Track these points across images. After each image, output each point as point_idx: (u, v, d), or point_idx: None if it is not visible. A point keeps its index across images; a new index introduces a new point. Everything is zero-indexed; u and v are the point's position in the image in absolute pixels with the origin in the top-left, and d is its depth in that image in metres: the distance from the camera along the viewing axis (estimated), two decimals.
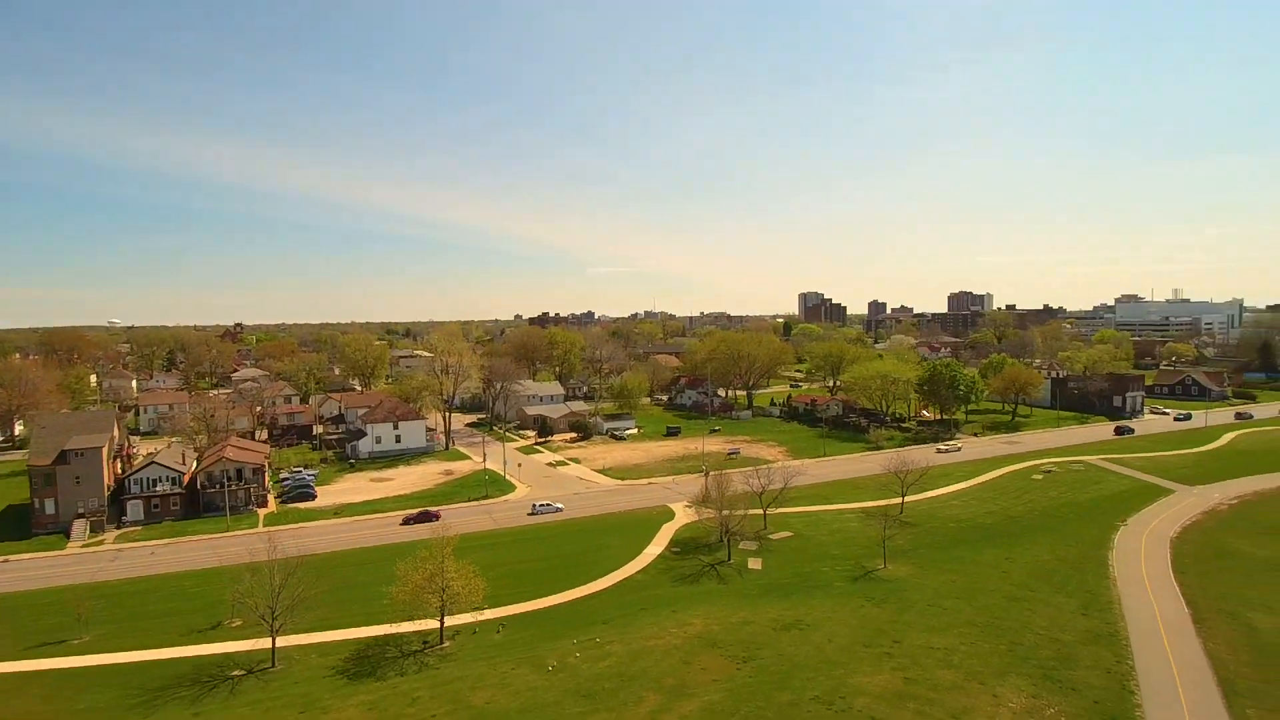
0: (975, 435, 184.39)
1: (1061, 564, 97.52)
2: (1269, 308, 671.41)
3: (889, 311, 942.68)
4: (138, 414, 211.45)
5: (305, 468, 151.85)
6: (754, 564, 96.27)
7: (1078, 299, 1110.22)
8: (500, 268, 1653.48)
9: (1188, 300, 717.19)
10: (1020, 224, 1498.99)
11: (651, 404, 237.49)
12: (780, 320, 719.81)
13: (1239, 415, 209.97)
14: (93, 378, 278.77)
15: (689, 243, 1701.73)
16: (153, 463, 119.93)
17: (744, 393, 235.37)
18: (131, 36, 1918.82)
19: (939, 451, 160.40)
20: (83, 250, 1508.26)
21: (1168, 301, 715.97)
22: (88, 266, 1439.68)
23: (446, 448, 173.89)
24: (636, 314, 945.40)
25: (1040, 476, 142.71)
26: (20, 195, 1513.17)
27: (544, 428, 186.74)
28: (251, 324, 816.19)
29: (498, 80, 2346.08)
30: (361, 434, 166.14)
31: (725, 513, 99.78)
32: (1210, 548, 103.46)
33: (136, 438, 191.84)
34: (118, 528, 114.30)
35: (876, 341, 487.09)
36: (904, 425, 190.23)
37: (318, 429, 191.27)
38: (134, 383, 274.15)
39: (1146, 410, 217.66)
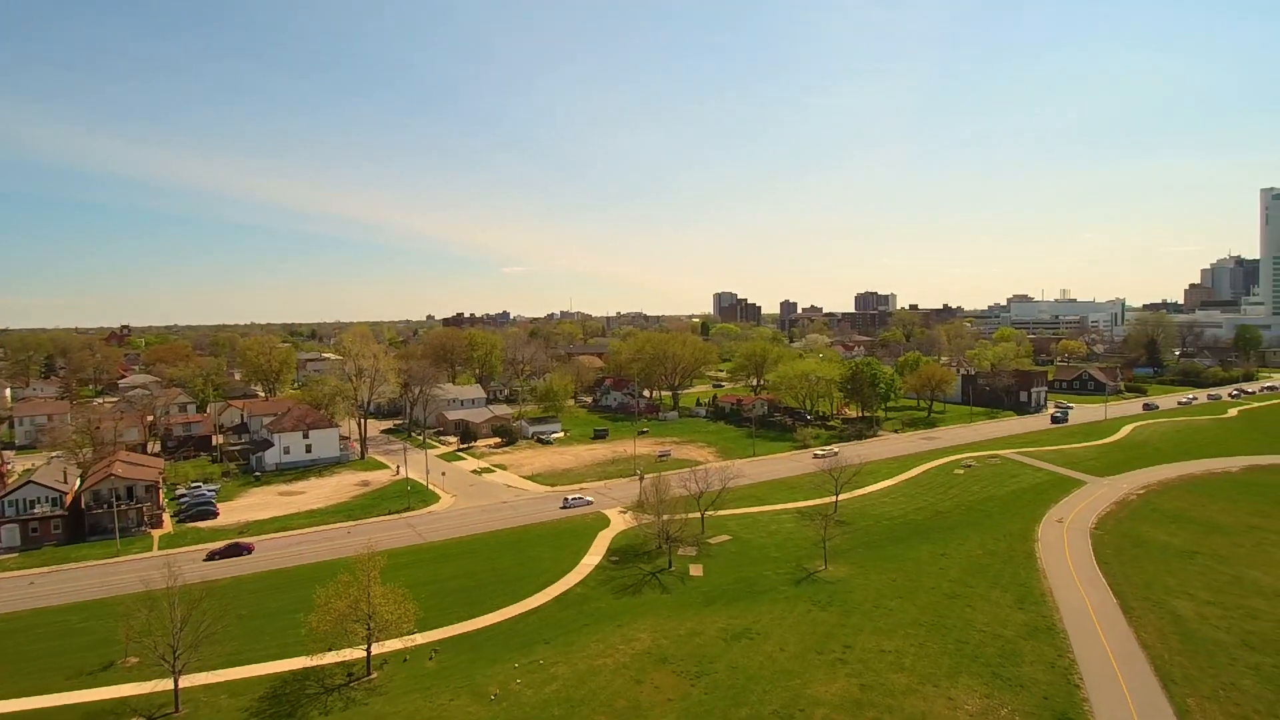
0: (895, 432, 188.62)
1: (993, 558, 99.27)
2: (1145, 306, 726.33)
3: (800, 311, 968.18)
4: (12, 426, 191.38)
5: (205, 482, 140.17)
6: (695, 570, 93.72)
7: (974, 299, 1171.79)
8: (411, 267, 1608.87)
9: (1074, 300, 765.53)
10: (918, 228, 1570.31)
11: (576, 406, 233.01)
12: (697, 320, 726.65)
13: (1146, 406, 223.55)
14: None
15: (605, 244, 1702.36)
16: (30, 482, 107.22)
17: (669, 393, 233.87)
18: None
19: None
20: None
21: (1056, 301, 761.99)
22: None
23: (363, 457, 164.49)
24: (553, 314, 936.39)
25: (962, 471, 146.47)
26: None
27: (466, 433, 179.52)
28: (140, 325, 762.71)
29: (402, 70, 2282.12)
30: (268, 444, 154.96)
31: (665, 518, 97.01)
32: (1127, 537, 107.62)
33: (11, 453, 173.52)
34: None
35: (792, 341, 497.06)
36: (829, 423, 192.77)
37: (218, 440, 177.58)
38: (8, 392, 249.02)
39: (1050, 405, 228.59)
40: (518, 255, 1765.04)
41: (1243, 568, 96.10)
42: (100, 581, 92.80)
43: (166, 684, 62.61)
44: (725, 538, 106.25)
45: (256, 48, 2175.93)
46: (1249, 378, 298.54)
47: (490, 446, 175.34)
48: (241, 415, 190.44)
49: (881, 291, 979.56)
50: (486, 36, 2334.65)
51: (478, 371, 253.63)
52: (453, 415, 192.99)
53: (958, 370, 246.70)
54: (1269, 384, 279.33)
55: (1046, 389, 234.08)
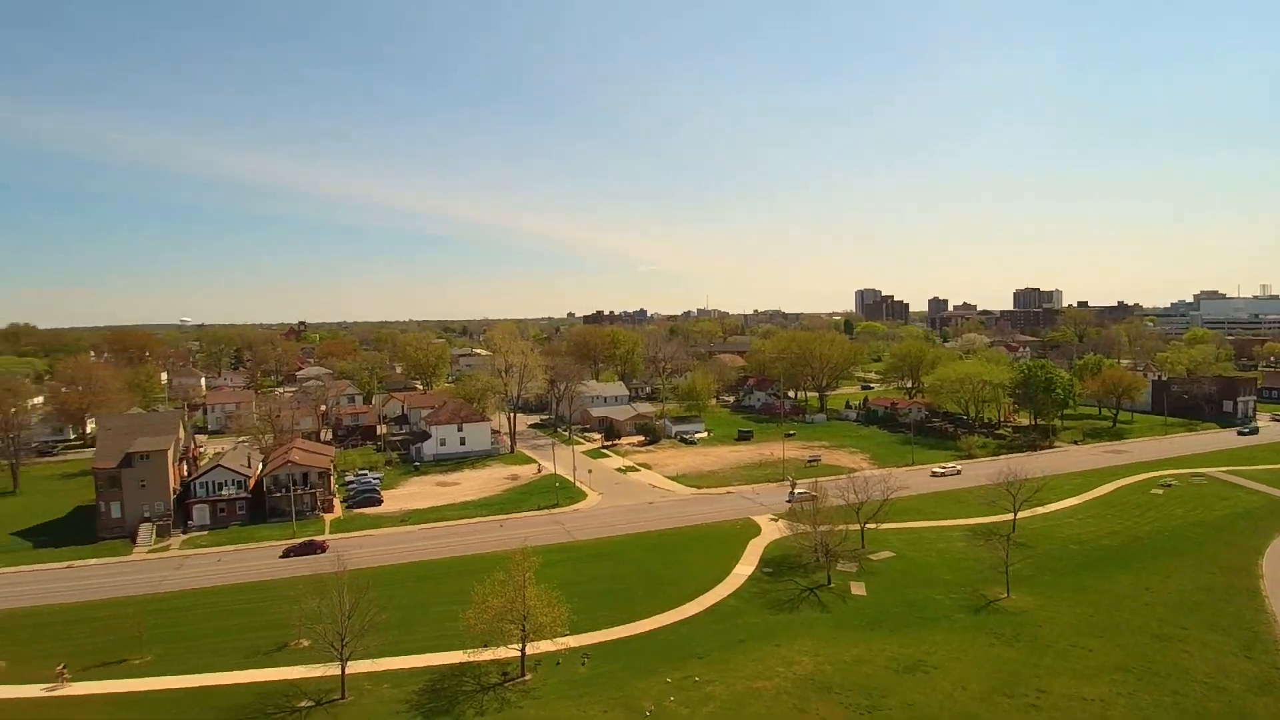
0: (1075, 443, 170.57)
1: (1208, 595, 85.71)
2: None
3: (951, 309, 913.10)
4: (205, 413, 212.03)
5: (370, 470, 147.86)
6: (857, 589, 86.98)
7: (1152, 295, 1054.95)
8: (551, 267, 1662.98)
9: (1277, 296, 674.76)
10: (1082, 218, 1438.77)
11: (718, 406, 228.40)
12: (838, 318, 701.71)
13: None
14: (163, 376, 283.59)
15: (740, 241, 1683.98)
16: (218, 466, 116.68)
17: (815, 395, 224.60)
18: (187, 48, 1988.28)
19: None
20: (153, 253, 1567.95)
21: (1255, 298, 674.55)
22: (158, 268, 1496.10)
23: (511, 451, 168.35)
24: (689, 312, 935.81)
25: (1160, 491, 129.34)
26: (97, 203, 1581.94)
27: (610, 430, 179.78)
28: (314, 322, 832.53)
29: (522, 80, 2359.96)
30: (426, 436, 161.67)
31: (822, 528, 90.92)
32: None
33: (203, 437, 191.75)
34: (184, 532, 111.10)
35: (945, 341, 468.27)
36: (997, 432, 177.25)
37: (381, 430, 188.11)
38: (202, 381, 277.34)
39: (1264, 416, 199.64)
40: (654, 254, 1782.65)
41: None
42: (277, 562, 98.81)
43: (334, 669, 64.18)
44: (888, 554, 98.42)
45: (426, 75, 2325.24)
46: None
47: (633, 444, 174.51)
48: (402, 407, 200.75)
49: (1044, 288, 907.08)
50: (652, 59, 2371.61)
51: (620, 369, 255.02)
52: (597, 412, 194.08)
53: (1145, 375, 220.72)
54: None
55: (1255, 398, 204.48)
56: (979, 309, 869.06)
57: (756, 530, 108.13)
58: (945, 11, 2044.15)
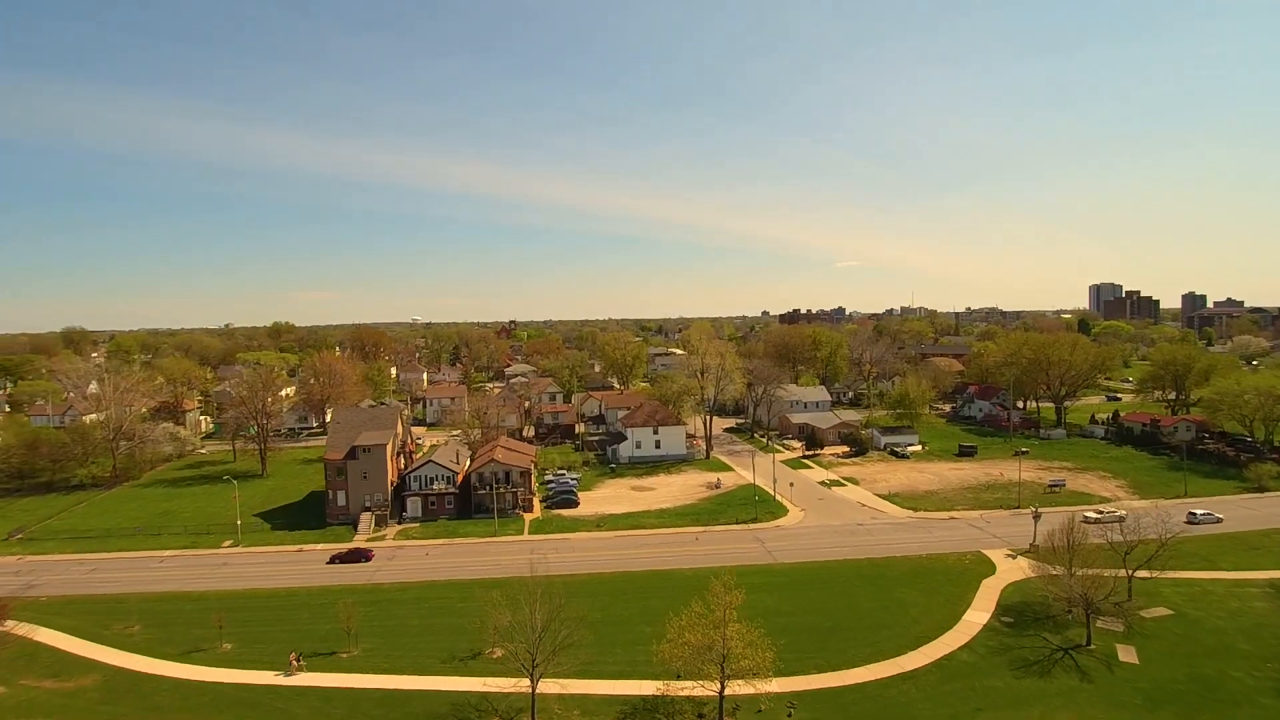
0: None
1: None
2: None
3: (1211, 306, 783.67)
4: (424, 406, 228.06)
5: (568, 469, 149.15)
6: (1125, 654, 70.92)
7: None
8: (747, 264, 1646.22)
9: None
10: None
11: (932, 415, 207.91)
12: (1068, 316, 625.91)
13: None
14: (393, 370, 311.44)
15: (942, 232, 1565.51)
16: (429, 461, 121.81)
17: (1051, 406, 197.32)
18: (367, 64, 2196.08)
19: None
20: (393, 259, 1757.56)
21: None
22: (396, 271, 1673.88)
23: (707, 456, 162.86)
24: (892, 310, 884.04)
25: None
26: (347, 218, 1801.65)
27: (812, 439, 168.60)
28: (523, 320, 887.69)
29: (731, 78, 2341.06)
30: (622, 437, 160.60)
31: (1080, 572, 75.57)
32: None
33: (422, 429, 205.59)
34: (398, 523, 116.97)
35: (1209, 344, 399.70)
36: None
37: (579, 428, 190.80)
38: (424, 375, 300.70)
39: None
40: (851, 249, 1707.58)
41: None
42: (479, 560, 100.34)
43: (525, 684, 61.42)
44: (1163, 611, 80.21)
45: (618, 79, 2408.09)
46: None
47: (837, 455, 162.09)
48: (600, 406, 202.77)
49: None
50: (825, 44, 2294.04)
51: (820, 372, 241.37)
52: (797, 418, 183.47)
53: None
54: None
55: None
56: (1246, 305, 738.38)
57: (990, 568, 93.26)
58: None
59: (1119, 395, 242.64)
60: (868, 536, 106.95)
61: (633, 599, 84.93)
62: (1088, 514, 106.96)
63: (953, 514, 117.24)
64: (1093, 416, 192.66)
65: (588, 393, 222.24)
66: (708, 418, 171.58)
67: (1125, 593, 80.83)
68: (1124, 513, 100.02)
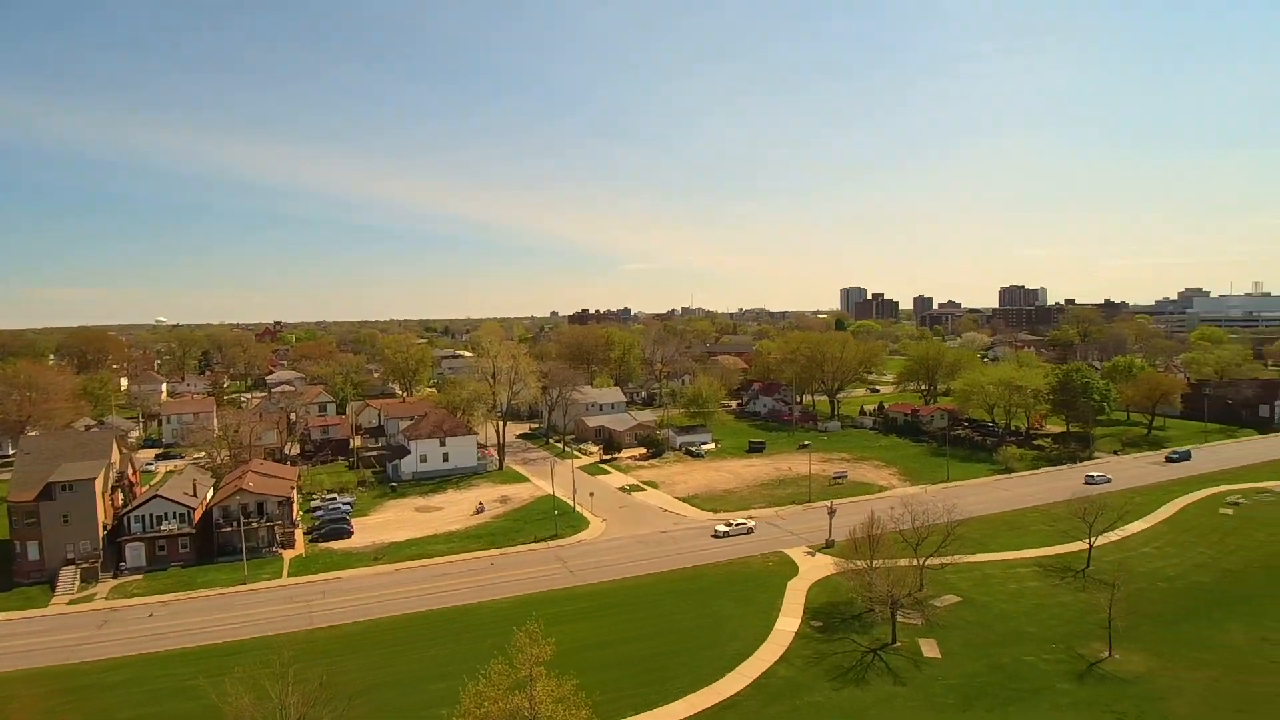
0: (1115, 453, 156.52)
1: None
2: None
3: (937, 306, 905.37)
4: (160, 424, 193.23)
5: (340, 492, 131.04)
6: (929, 649, 71.55)
7: (1134, 293, 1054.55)
8: (533, 264, 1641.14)
9: (1269, 295, 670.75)
10: (1061, 217, 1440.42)
11: (722, 413, 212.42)
12: (824, 316, 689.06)
13: None
14: (123, 381, 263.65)
15: (723, 238, 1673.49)
16: (156, 496, 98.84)
17: (826, 400, 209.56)
18: (148, 34, 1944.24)
19: (1088, 482, 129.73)
20: (121, 250, 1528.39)
21: (1248, 296, 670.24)
22: (129, 266, 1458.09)
23: (500, 467, 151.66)
24: (674, 310, 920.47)
25: (1229, 511, 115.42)
26: (55, 196, 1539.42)
27: (609, 442, 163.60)
28: (293, 321, 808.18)
29: (523, 74, 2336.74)
30: (405, 451, 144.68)
31: (878, 564, 76.03)
32: None
33: (153, 451, 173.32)
34: (114, 576, 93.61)
35: (942, 340, 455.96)
36: (1035, 442, 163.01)
37: (355, 443, 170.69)
38: (164, 387, 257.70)
39: None
40: (638, 251, 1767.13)
41: None
42: (222, 616, 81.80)
43: None
44: (953, 599, 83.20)
45: (386, 55, 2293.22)
46: None
47: (635, 459, 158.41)
48: (379, 416, 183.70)
49: (1029, 285, 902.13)
50: (617, 46, 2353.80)
51: (615, 372, 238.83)
52: (593, 421, 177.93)
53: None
54: None
55: None
56: (963, 306, 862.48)
57: (793, 569, 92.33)
58: (942, 18, 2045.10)
59: (878, 388, 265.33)
60: (674, 545, 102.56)
61: (421, 648, 72.59)
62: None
63: (750, 513, 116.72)
64: (861, 409, 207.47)
65: (365, 402, 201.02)
66: (501, 425, 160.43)
67: (919, 583, 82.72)
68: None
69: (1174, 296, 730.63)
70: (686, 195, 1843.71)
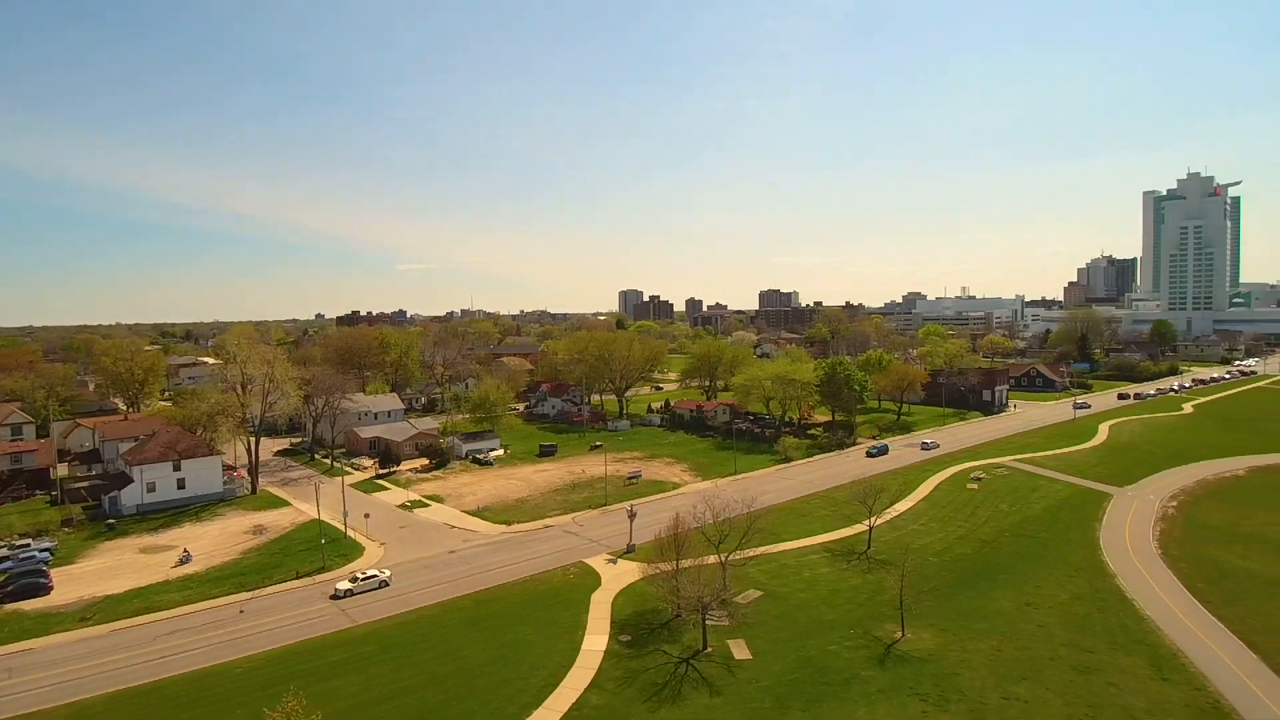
0: (873, 439, 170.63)
1: (1084, 604, 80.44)
2: (1029, 303, 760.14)
3: (706, 308, 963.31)
4: None
5: (38, 536, 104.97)
6: (739, 650, 69.48)
7: (867, 296, 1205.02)
8: (298, 263, 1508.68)
9: (974, 297, 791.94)
10: (810, 228, 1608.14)
11: (510, 416, 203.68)
12: (604, 318, 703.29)
13: (1079, 403, 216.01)
14: None
15: (503, 240, 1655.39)
16: None
17: (615, 399, 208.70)
18: None
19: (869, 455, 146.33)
20: None
21: (958, 298, 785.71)
22: None
23: (254, 491, 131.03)
24: (453, 313, 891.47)
25: (975, 486, 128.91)
26: None
27: (387, 455, 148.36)
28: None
29: (280, 56, 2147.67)
30: (127, 479, 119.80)
31: (686, 564, 73.63)
32: (1206, 565, 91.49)
33: None
34: None
35: (715, 338, 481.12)
36: (809, 431, 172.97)
37: (60, 472, 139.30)
38: None
39: (1012, 404, 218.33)
40: (413, 251, 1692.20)
41: None
42: None
43: None
44: (755, 594, 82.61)
45: (132, 39, 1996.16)
46: (1173, 371, 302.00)
47: (417, 470, 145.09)
48: (94, 438, 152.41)
49: (784, 289, 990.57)
50: (378, 25, 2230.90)
51: (390, 378, 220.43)
52: (367, 432, 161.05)
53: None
54: (1199, 377, 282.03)
55: (1008, 387, 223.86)
56: (729, 308, 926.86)
57: (595, 579, 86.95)
58: (700, 38, 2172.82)
59: (662, 386, 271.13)
60: (464, 565, 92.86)
61: None
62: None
63: (546, 522, 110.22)
64: (649, 406, 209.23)
65: (76, 421, 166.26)
66: (253, 441, 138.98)
67: (721, 580, 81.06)
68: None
69: (899, 299, 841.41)
70: (466, 196, 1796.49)
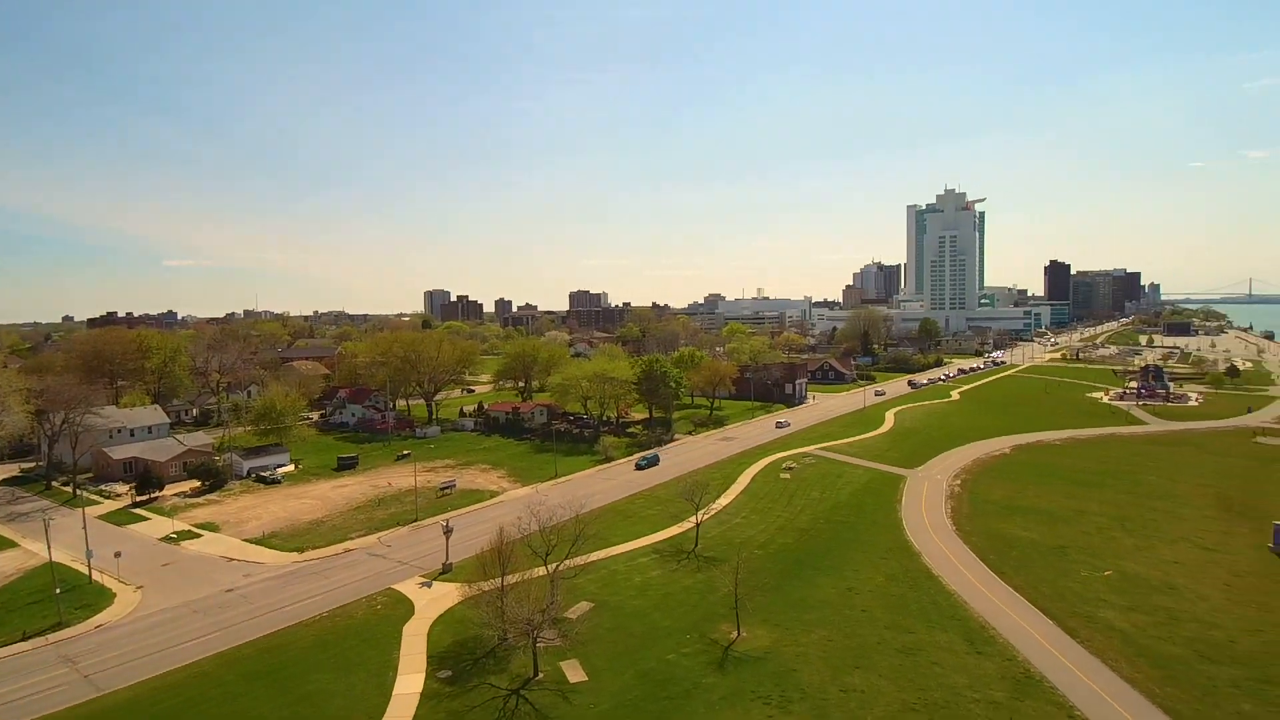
0: (690, 434, 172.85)
1: (900, 585, 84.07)
2: (815, 304, 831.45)
3: (515, 309, 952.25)
4: None
5: None
6: (573, 672, 63.94)
7: (670, 297, 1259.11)
8: (31, 257, 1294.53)
9: (768, 298, 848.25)
10: (614, 232, 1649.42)
11: (302, 427, 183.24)
12: (407, 319, 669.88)
13: (876, 392, 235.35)
14: None
15: (296, 236, 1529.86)
16: None
17: (424, 404, 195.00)
18: None
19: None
20: None
21: (754, 299, 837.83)
22: None
23: None
24: (234, 314, 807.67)
25: (787, 475, 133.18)
26: None
27: (147, 478, 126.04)
28: None
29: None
30: None
31: (511, 580, 67.47)
32: (996, 539, 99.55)
33: None
34: None
35: (525, 337, 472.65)
36: (628, 430, 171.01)
37: None
38: None
39: (811, 396, 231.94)
40: (184, 246, 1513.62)
41: (1114, 560, 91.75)
42: None
43: None
44: (586, 606, 77.54)
45: None
46: (939, 363, 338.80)
47: (186, 495, 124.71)
48: None
49: (593, 290, 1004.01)
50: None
51: (153, 387, 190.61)
52: (121, 453, 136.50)
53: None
54: (962, 367, 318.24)
55: (807, 380, 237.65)
56: (540, 308, 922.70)
57: (408, 608, 77.42)
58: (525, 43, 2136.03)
59: (474, 388, 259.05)
60: (246, 606, 79.11)
61: None
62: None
63: (347, 545, 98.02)
64: (461, 410, 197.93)
65: None
66: None
67: (553, 596, 75.10)
68: None
69: (701, 300, 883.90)
70: (252, 188, 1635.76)
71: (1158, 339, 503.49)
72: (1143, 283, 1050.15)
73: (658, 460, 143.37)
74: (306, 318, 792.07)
